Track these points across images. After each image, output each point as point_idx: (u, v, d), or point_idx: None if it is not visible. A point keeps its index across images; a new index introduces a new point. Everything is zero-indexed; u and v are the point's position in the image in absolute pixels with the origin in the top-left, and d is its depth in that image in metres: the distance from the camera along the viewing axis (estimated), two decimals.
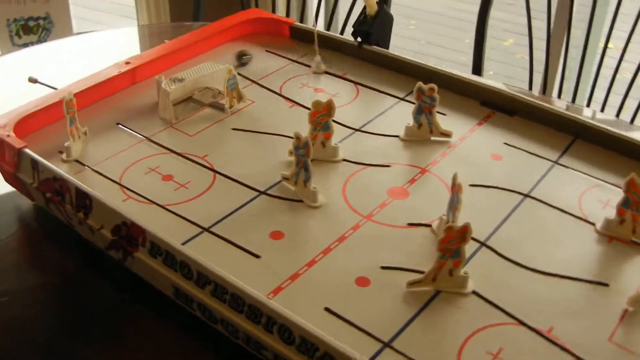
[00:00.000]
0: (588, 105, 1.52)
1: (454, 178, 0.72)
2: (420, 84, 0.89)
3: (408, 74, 1.06)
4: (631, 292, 0.70)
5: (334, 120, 0.92)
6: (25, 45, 2.17)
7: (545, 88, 1.56)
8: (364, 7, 1.08)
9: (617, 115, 1.45)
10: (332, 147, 0.88)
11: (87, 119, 0.95)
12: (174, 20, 2.31)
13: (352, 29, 1.10)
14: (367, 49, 1.09)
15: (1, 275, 0.81)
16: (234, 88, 0.97)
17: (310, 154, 0.78)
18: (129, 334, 0.73)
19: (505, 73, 3.22)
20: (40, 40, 2.17)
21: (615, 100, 1.50)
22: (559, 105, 1.22)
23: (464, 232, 0.66)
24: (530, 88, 1.55)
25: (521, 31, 1.54)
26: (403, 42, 3.54)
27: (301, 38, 1.17)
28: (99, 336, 0.73)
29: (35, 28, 2.16)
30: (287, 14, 1.73)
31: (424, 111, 0.91)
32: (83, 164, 0.88)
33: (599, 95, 1.52)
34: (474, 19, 1.54)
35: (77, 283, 0.80)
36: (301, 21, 1.66)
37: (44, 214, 0.88)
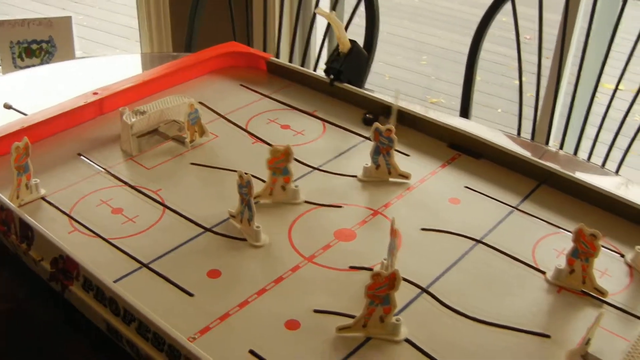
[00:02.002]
0: (575, 152, 1.50)
1: (392, 222, 0.71)
2: (377, 124, 0.88)
3: (378, 113, 1.05)
4: (573, 345, 0.68)
5: (294, 158, 0.92)
6: (28, 67, 2.19)
7: (534, 132, 1.55)
8: (337, 45, 1.08)
9: (603, 164, 1.43)
10: (293, 189, 0.87)
11: (50, 148, 0.96)
12: (176, 50, 2.33)
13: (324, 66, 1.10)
14: (338, 86, 1.09)
15: None
16: (196, 122, 0.97)
17: (253, 192, 0.77)
18: None
19: (513, 111, 3.21)
20: (42, 63, 2.19)
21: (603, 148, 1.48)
22: (540, 149, 1.21)
23: (392, 280, 0.65)
24: (519, 133, 1.54)
25: (532, 70, 1.52)
26: (414, 76, 3.54)
27: (277, 73, 1.17)
28: None
29: (38, 51, 2.18)
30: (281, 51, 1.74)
31: (381, 152, 0.90)
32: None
33: (589, 141, 1.50)
34: (484, 55, 1.52)
35: (24, 310, 0.80)
36: (304, 59, 1.67)
37: (0, 241, 0.88)
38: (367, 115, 1.05)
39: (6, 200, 0.80)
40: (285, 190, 0.87)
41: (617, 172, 1.35)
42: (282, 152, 0.84)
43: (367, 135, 1.01)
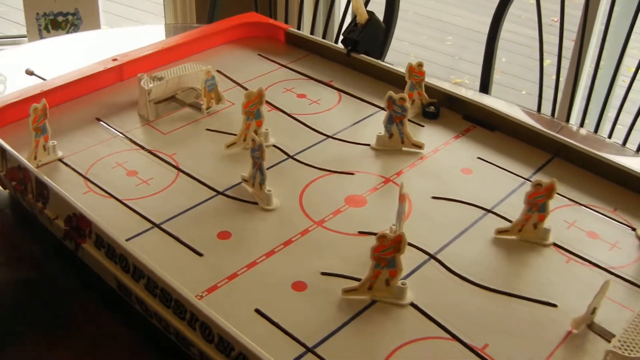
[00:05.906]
0: (596, 130, 1.49)
1: (401, 187, 0.72)
2: (390, 92, 0.89)
3: (393, 84, 1.05)
4: (579, 314, 0.69)
5: (308, 126, 0.93)
6: None
7: (554, 111, 1.54)
8: (355, 16, 1.08)
9: (624, 143, 1.42)
10: (264, 132, 0.91)
11: (68, 113, 0.97)
12: (199, 21, 2.33)
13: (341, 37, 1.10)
14: (354, 57, 1.09)
15: None
16: (212, 89, 0.97)
17: (265, 156, 0.78)
18: (76, 319, 0.74)
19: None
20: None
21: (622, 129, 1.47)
22: (558, 125, 1.20)
23: (398, 242, 0.65)
24: (539, 110, 1.53)
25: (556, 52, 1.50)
26: (438, 57, 3.52)
27: (295, 43, 1.18)
28: (45, 320, 0.74)
29: (64, 23, 2.20)
30: (298, 21, 1.74)
31: (395, 121, 0.90)
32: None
33: (609, 124, 1.49)
34: (510, 37, 1.51)
35: (38, 269, 0.81)
36: (325, 31, 1.66)
37: (19, 202, 0.90)
38: (428, 109, 1.01)
39: (23, 160, 0.82)
40: (258, 134, 0.89)
41: (637, 151, 1.34)
42: (255, 94, 0.86)
43: (381, 105, 1.01)
